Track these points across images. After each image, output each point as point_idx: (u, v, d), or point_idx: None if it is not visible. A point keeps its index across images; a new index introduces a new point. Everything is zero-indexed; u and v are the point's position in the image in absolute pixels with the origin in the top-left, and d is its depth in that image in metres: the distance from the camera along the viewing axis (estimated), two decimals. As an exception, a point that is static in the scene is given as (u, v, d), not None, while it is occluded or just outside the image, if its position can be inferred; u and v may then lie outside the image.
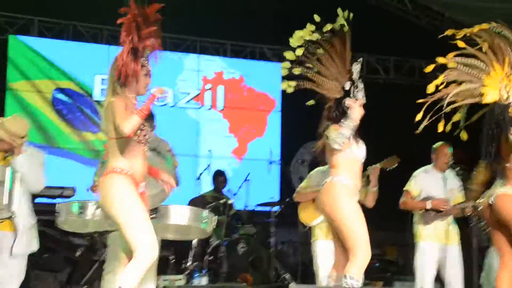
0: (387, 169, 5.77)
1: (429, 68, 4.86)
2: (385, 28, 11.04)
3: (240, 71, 11.26)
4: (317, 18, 4.64)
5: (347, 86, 4.61)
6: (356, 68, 4.64)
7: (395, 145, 6.08)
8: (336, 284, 4.60)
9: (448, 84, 4.84)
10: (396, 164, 5.87)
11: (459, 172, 6.54)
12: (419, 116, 4.79)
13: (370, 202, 5.65)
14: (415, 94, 4.81)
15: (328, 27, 4.62)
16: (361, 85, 4.65)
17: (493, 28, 4.90)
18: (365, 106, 4.66)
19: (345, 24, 4.61)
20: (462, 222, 6.75)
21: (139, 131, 4.08)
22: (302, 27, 4.74)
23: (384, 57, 11.90)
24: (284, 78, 4.77)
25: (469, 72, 4.88)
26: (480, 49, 4.87)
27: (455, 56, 4.85)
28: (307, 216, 6.23)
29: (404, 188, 6.57)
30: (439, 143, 6.52)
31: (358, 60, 4.65)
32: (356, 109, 4.57)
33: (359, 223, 4.47)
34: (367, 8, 11.16)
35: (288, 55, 4.74)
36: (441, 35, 4.85)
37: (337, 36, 4.64)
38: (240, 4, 10.44)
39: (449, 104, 4.79)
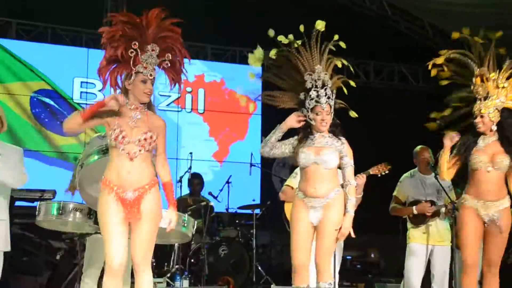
0: (380, 175, 5.76)
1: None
2: (365, 32, 11.05)
3: (221, 74, 11.23)
4: (301, 28, 4.66)
5: (302, 97, 4.68)
6: (309, 79, 4.67)
7: (376, 149, 6.07)
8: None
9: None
10: (387, 171, 5.86)
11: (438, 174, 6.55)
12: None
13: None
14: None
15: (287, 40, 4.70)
16: (316, 93, 4.64)
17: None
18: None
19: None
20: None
21: (113, 136, 4.07)
22: (282, 30, 4.75)
23: (364, 61, 11.90)
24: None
25: None
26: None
27: None
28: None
29: (393, 194, 6.60)
30: (419, 147, 6.56)
31: (317, 69, 4.68)
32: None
33: None
34: (347, 13, 11.19)
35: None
36: None
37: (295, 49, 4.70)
38: (221, 8, 10.43)
39: None
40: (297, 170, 6.05)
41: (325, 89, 4.64)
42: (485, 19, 10.44)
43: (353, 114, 4.86)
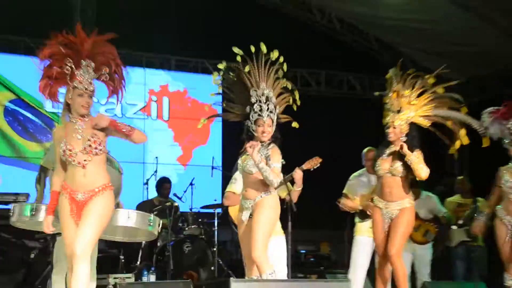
0: (312, 169, 5.82)
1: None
2: (317, 44, 11.19)
3: (184, 84, 11.21)
4: (239, 51, 4.84)
5: (247, 110, 4.82)
6: (255, 94, 4.80)
7: (326, 150, 6.16)
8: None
9: None
10: (318, 164, 5.92)
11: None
12: None
13: (295, 199, 5.62)
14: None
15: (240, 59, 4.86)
16: (259, 107, 4.76)
17: None
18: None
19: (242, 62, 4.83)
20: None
21: (63, 152, 4.22)
22: (240, 43, 4.86)
23: (316, 71, 12.00)
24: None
25: None
26: None
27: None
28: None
29: (343, 191, 6.68)
30: (366, 149, 6.65)
31: (261, 86, 4.80)
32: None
33: None
34: (301, 27, 11.30)
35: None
36: None
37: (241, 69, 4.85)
38: (184, 21, 10.44)
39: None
40: (235, 175, 6.11)
41: (268, 104, 4.78)
42: (421, 34, 10.70)
43: (295, 124, 4.99)
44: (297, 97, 4.99)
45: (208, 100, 10.80)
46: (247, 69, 4.80)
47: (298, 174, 5.55)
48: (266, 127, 4.74)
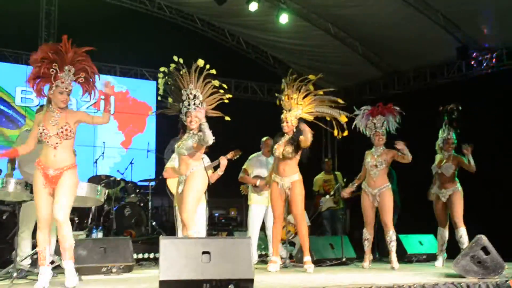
0: (234, 158, 5.83)
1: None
2: (228, 60, 11.20)
3: (126, 86, 10.98)
4: (201, 62, 4.78)
5: (181, 106, 4.81)
6: (185, 93, 4.77)
7: (235, 141, 6.19)
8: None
9: None
10: (239, 155, 5.93)
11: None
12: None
13: (213, 180, 5.58)
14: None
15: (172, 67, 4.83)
16: (187, 102, 4.75)
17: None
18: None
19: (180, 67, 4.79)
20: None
21: (40, 134, 4.07)
22: (170, 57, 4.80)
23: (227, 80, 11.97)
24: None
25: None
26: None
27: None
28: (173, 187, 6.18)
29: (243, 167, 6.70)
30: (264, 138, 6.69)
31: (190, 87, 4.77)
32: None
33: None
34: (217, 46, 11.30)
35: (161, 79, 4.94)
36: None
37: (179, 73, 4.81)
38: (126, 39, 10.23)
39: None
40: (173, 155, 6.06)
41: (194, 100, 4.75)
42: (304, 54, 10.96)
43: (227, 118, 4.99)
44: (224, 93, 4.94)
45: (145, 99, 10.81)
46: (182, 73, 4.77)
47: (224, 161, 5.52)
48: (193, 117, 4.71)
